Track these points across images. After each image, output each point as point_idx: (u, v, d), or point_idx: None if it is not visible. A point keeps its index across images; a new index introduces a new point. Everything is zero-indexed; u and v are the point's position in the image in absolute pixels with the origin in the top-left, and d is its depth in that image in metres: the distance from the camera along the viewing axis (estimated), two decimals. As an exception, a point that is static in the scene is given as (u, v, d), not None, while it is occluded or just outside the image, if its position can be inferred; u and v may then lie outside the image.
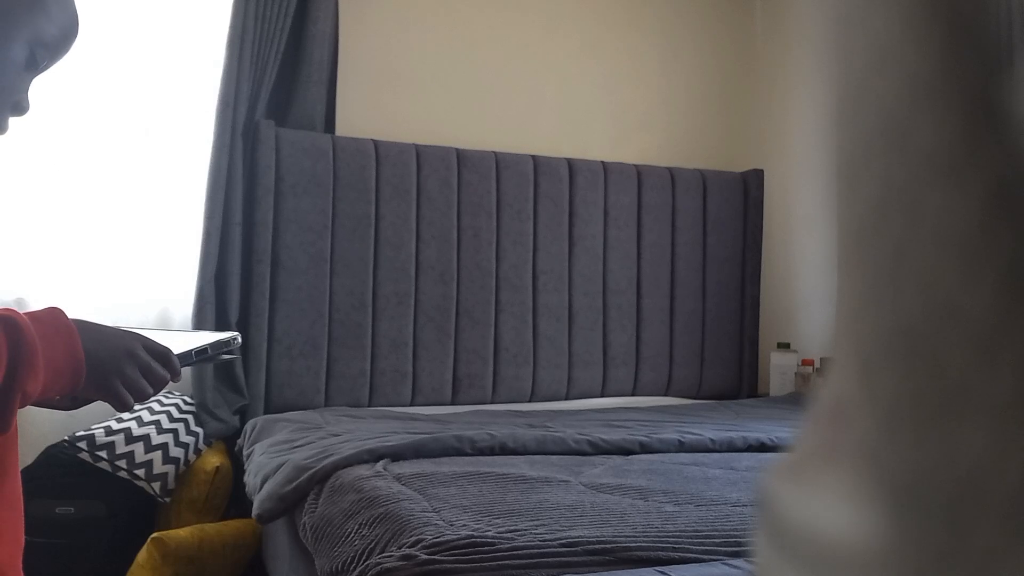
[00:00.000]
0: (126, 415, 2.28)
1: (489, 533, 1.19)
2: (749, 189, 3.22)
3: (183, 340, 0.91)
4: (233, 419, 2.43)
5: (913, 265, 0.24)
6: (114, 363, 0.79)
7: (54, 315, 0.76)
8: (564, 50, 3.14)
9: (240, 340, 0.96)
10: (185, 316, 2.52)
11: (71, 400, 0.85)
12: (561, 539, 1.19)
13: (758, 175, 3.23)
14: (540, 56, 3.11)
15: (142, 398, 0.82)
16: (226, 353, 0.94)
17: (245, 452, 2.19)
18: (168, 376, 0.85)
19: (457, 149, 2.82)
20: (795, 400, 2.78)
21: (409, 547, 1.16)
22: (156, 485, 2.16)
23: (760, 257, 3.24)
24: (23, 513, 0.83)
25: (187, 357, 0.90)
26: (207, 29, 2.63)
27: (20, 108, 0.84)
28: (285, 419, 2.25)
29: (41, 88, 2.45)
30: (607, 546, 1.17)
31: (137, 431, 2.20)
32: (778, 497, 0.29)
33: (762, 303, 3.24)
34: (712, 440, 1.99)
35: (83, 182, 2.50)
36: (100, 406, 2.60)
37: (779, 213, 3.22)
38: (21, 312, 0.73)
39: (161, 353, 0.83)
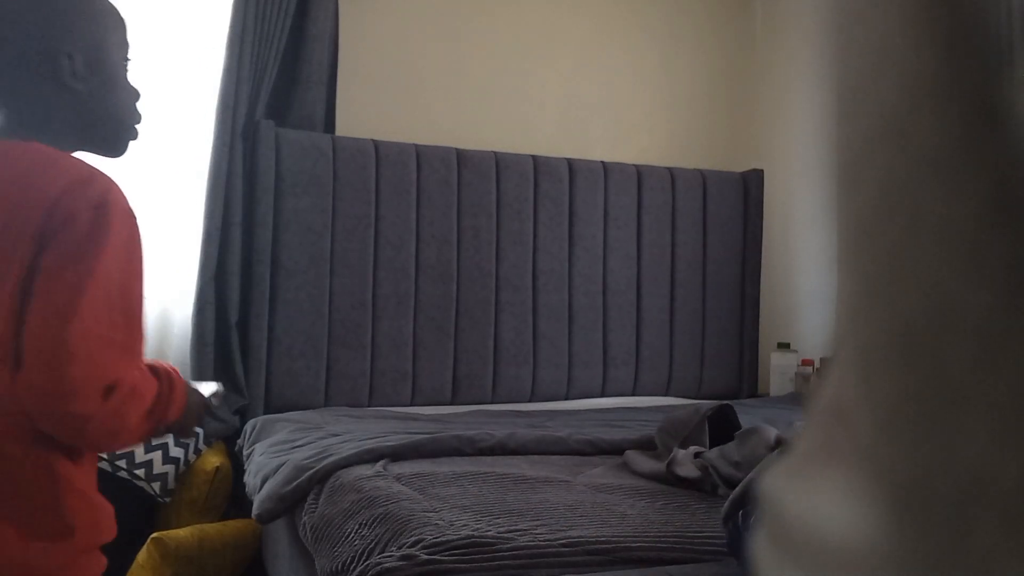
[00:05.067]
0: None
1: (489, 533, 1.19)
2: (749, 189, 3.22)
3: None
4: (233, 419, 2.43)
5: (913, 265, 0.24)
6: (192, 413, 1.10)
7: (179, 377, 1.08)
8: (564, 50, 3.14)
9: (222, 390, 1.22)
10: (185, 316, 2.52)
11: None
12: (561, 539, 1.19)
13: (758, 175, 3.23)
14: (540, 56, 3.10)
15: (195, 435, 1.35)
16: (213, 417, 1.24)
17: (245, 452, 2.19)
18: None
19: (457, 149, 2.82)
20: (795, 400, 2.77)
21: (409, 547, 1.16)
22: (156, 485, 2.16)
23: (760, 257, 3.24)
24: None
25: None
26: (207, 29, 2.63)
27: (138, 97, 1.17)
28: (285, 419, 2.25)
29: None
30: (607, 546, 1.17)
31: (137, 431, 2.20)
32: (779, 497, 0.29)
33: (762, 303, 3.24)
34: (712, 440, 1.98)
35: (83, 182, 2.49)
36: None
37: (779, 213, 3.22)
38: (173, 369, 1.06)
39: (206, 404, 1.17)
